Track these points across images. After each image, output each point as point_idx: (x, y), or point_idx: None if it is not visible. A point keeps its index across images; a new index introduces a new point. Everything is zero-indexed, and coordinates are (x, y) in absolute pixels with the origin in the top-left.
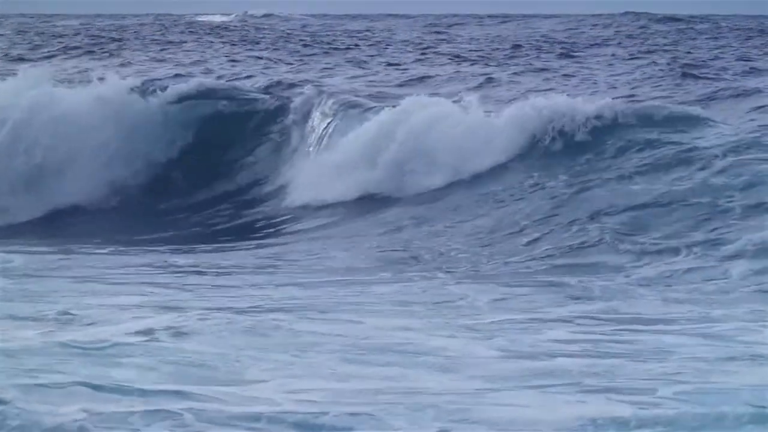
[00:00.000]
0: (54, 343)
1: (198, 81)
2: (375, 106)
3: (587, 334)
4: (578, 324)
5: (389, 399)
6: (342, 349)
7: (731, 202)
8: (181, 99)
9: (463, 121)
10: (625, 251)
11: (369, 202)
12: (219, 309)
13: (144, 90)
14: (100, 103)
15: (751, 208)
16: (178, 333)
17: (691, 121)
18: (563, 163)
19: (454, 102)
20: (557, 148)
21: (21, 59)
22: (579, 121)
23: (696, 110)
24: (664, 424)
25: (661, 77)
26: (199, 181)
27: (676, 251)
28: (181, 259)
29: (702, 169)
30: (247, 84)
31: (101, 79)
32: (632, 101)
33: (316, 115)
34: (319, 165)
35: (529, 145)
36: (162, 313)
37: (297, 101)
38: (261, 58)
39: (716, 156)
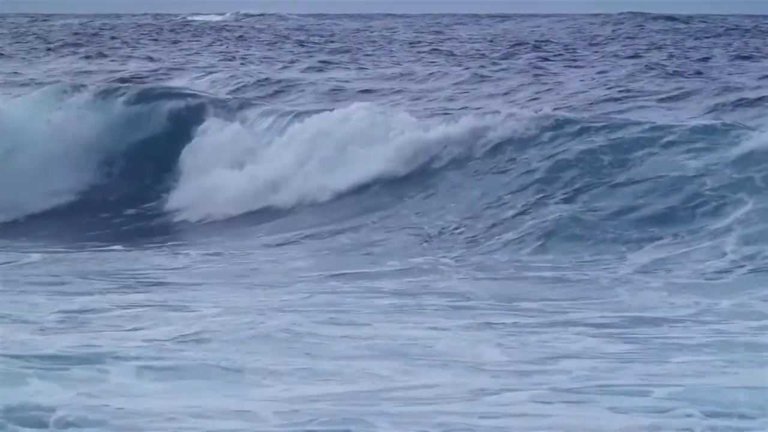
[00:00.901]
0: (51, 348)
1: (142, 87)
2: (307, 112)
3: (592, 335)
4: (583, 324)
5: (387, 403)
6: (346, 351)
7: (703, 177)
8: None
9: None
10: (619, 236)
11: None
12: (221, 312)
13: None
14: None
15: (724, 187)
16: (180, 338)
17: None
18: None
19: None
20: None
21: (17, 58)
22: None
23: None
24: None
25: (653, 75)
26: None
27: (667, 234)
28: (176, 261)
29: (666, 147)
30: (229, 83)
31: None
32: (615, 98)
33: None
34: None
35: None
36: (162, 317)
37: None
38: (252, 56)
39: (675, 134)
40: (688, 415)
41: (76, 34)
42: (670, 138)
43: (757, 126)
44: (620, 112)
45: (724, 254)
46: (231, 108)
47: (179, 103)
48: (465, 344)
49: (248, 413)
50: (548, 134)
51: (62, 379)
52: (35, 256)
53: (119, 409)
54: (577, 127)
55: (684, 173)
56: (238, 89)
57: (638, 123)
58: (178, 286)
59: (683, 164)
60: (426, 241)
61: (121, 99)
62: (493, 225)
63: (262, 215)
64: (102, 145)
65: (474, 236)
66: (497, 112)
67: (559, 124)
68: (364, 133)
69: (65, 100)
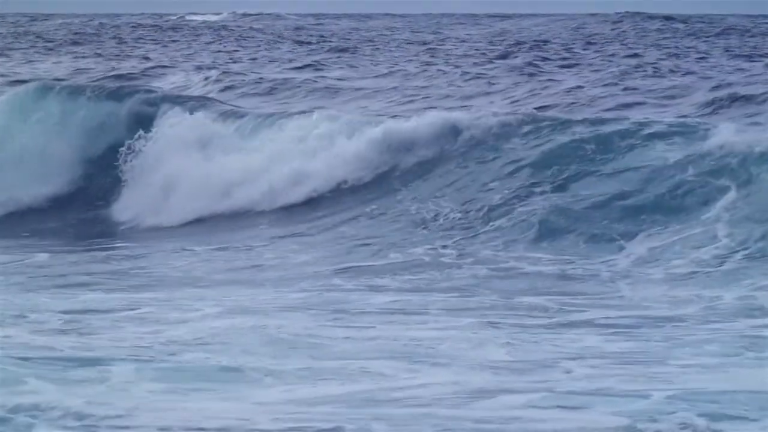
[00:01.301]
0: (52, 348)
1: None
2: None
3: (595, 334)
4: (588, 325)
5: (388, 404)
6: (349, 351)
7: (683, 166)
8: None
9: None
10: (613, 227)
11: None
12: (224, 312)
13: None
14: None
15: (703, 174)
16: (182, 339)
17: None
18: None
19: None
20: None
21: (15, 58)
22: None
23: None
24: None
25: (650, 74)
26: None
27: (659, 222)
28: (180, 258)
29: (647, 140)
30: (222, 80)
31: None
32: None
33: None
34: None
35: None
36: (164, 317)
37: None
38: (249, 55)
39: (652, 128)
40: (688, 418)
41: (76, 33)
42: (648, 131)
43: (754, 123)
44: (620, 108)
45: (719, 240)
46: (223, 104)
47: (173, 101)
48: (468, 345)
49: (249, 414)
50: (527, 128)
51: (63, 379)
52: (41, 256)
53: (119, 409)
54: (557, 122)
55: (665, 162)
56: (232, 87)
57: (617, 119)
58: (181, 284)
59: (664, 155)
60: (424, 228)
61: (110, 96)
62: (487, 221)
63: (263, 209)
64: (95, 142)
65: (470, 226)
66: (467, 107)
67: (537, 120)
68: (333, 131)
69: (50, 97)
